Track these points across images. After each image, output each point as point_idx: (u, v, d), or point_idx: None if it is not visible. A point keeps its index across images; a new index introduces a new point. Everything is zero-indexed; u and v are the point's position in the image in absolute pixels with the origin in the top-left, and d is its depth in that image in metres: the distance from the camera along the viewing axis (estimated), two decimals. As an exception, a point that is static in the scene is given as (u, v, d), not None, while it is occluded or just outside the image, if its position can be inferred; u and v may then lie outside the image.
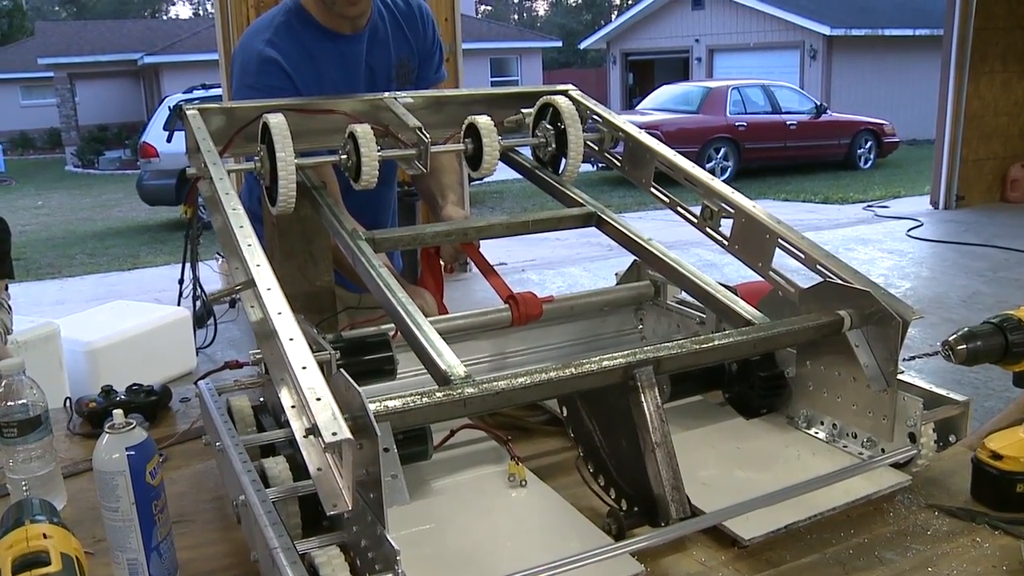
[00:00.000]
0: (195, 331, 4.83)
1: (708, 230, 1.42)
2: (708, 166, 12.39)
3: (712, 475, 1.24)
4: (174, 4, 50.30)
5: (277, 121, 1.28)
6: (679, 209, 1.47)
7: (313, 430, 0.83)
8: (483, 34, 23.97)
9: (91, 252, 9.49)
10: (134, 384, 1.65)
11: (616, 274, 1.68)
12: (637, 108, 15.31)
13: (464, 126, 1.46)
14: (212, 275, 5.84)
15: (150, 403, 1.62)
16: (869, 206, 10.19)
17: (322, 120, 1.49)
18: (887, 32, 19.20)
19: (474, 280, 5.65)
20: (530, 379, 1.02)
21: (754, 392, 1.37)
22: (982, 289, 6.08)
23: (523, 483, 1.23)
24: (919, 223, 8.46)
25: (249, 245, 1.09)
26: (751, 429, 1.38)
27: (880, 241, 7.92)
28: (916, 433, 1.19)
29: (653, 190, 1.53)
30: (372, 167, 1.31)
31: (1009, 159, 9.34)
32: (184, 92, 11.00)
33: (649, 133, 1.57)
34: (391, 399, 0.94)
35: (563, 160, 1.54)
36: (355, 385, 0.88)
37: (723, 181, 1.43)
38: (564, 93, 1.61)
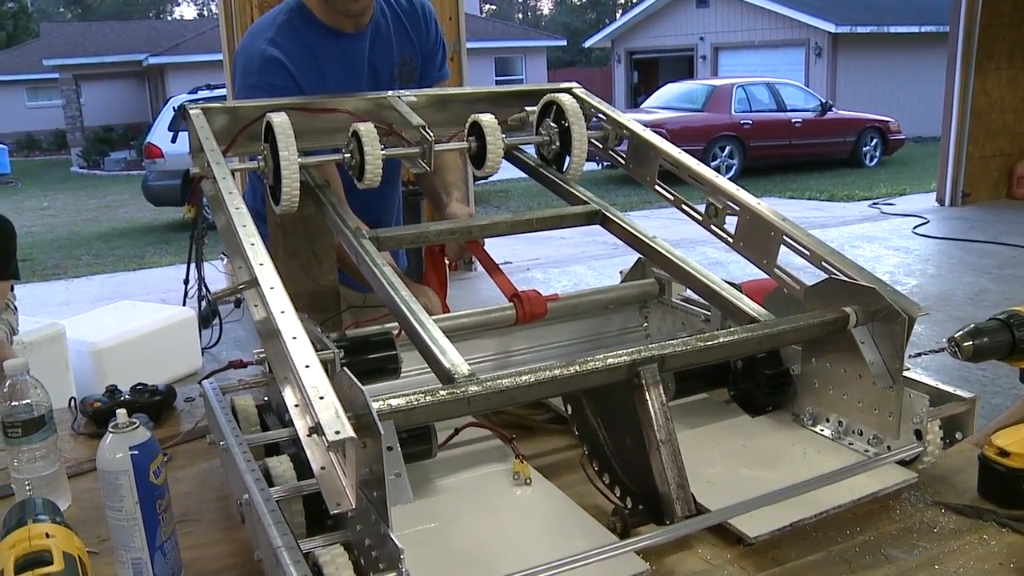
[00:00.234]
0: (201, 331, 4.83)
1: (713, 228, 1.42)
2: (713, 164, 12.36)
3: (717, 473, 1.24)
4: (178, 5, 50.48)
5: (280, 120, 1.28)
6: (684, 207, 1.47)
7: (316, 429, 0.83)
8: (487, 33, 24.00)
9: (97, 253, 9.51)
10: (138, 384, 1.66)
11: (620, 272, 1.68)
12: (642, 106, 15.28)
13: (468, 124, 1.46)
14: (217, 275, 5.85)
15: (154, 403, 1.63)
16: (875, 203, 10.16)
17: (325, 119, 1.49)
18: (892, 29, 19.13)
19: (479, 278, 5.65)
20: (534, 377, 1.01)
21: (759, 390, 1.37)
22: (988, 286, 6.05)
23: (528, 481, 1.23)
24: (925, 220, 8.43)
25: (252, 244, 1.09)
26: (756, 427, 1.37)
27: (886, 238, 7.89)
28: (922, 430, 1.18)
29: (658, 188, 1.53)
30: (376, 166, 1.31)
31: (1016, 156, 9.29)
32: (189, 92, 11.04)
33: (654, 131, 1.57)
34: (395, 397, 0.94)
35: (567, 158, 1.54)
36: (358, 383, 0.88)
37: (728, 179, 1.42)
38: (568, 91, 1.61)
